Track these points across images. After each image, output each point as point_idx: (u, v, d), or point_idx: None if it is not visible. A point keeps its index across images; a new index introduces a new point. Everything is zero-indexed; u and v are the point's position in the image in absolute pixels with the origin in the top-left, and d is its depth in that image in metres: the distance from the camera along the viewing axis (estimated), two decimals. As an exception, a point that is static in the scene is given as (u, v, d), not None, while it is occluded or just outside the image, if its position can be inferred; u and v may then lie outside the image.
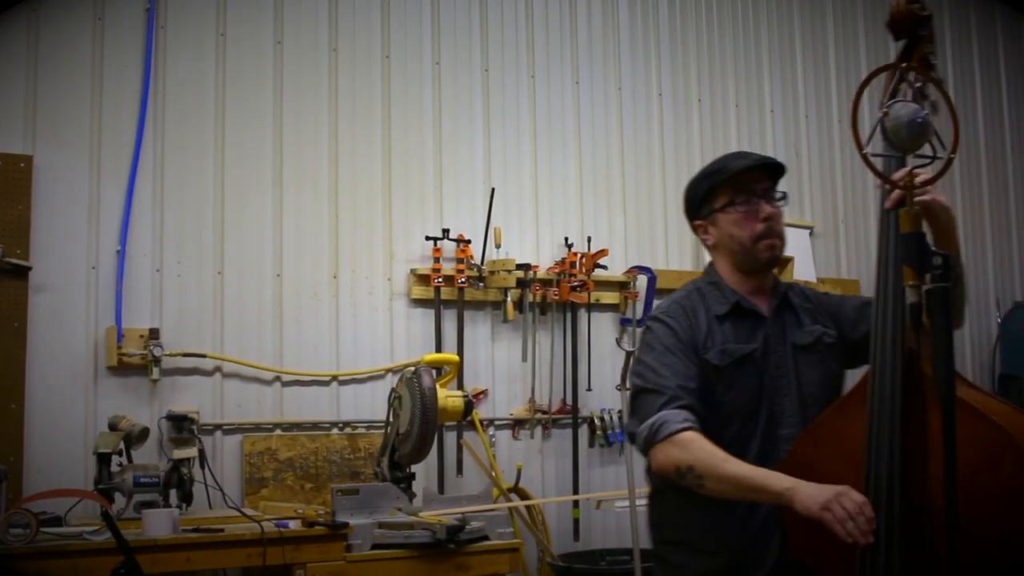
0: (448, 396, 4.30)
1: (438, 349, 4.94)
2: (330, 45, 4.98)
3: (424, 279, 4.97)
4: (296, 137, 4.85)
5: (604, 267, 5.33)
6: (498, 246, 5.10)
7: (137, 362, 4.36)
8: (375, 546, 3.88)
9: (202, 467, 4.15)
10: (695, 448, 2.36)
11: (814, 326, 2.64)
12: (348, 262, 4.89)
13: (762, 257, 2.60)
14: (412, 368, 4.26)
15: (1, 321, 4.14)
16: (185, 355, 4.49)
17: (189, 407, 4.41)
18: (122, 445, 4.02)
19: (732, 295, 2.61)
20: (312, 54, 4.94)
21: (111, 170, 4.45)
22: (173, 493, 4.07)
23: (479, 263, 5.04)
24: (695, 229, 2.73)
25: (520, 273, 5.08)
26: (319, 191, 4.87)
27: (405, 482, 4.29)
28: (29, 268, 4.21)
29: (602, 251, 5.32)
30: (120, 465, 4.03)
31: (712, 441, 2.38)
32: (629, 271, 5.47)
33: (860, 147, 1.88)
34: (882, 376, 2.23)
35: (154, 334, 4.39)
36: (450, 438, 4.96)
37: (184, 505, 4.08)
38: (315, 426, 4.74)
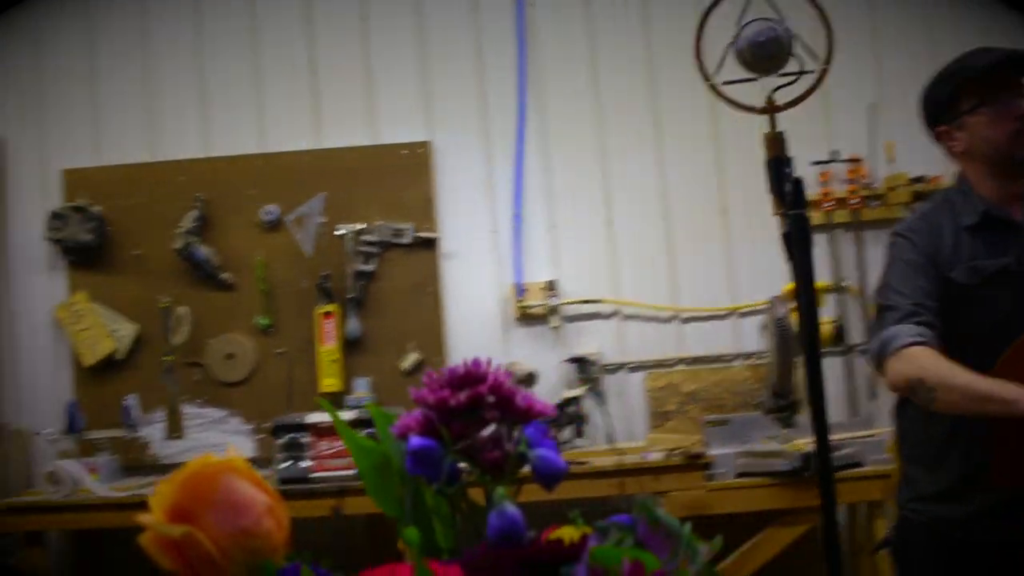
0: (814, 323, 4.24)
1: (835, 273, 4.84)
2: (696, -14, 5.04)
3: (815, 204, 4.88)
4: (670, 83, 4.96)
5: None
6: (891, 161, 4.85)
7: (539, 312, 4.82)
8: (739, 475, 4.01)
9: (601, 404, 4.55)
10: (923, 361, 2.32)
11: None
12: (736, 197, 4.94)
13: (1019, 157, 2.44)
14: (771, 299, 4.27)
15: (418, 288, 4.80)
16: (583, 302, 4.87)
17: (590, 350, 4.80)
18: (516, 389, 4.52)
19: (981, 204, 2.47)
20: (679, -1, 5.04)
21: (500, 143, 4.93)
22: (570, 429, 4.51)
23: (872, 182, 4.84)
24: (938, 136, 2.58)
25: (918, 186, 4.79)
26: (698, 133, 4.96)
27: (788, 410, 4.32)
28: (437, 239, 4.83)
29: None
30: (523, 406, 4.54)
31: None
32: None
33: (706, 77, 1.75)
34: None
35: (551, 286, 4.82)
36: (860, 363, 4.85)
37: (577, 439, 4.49)
38: (717, 359, 4.89)
